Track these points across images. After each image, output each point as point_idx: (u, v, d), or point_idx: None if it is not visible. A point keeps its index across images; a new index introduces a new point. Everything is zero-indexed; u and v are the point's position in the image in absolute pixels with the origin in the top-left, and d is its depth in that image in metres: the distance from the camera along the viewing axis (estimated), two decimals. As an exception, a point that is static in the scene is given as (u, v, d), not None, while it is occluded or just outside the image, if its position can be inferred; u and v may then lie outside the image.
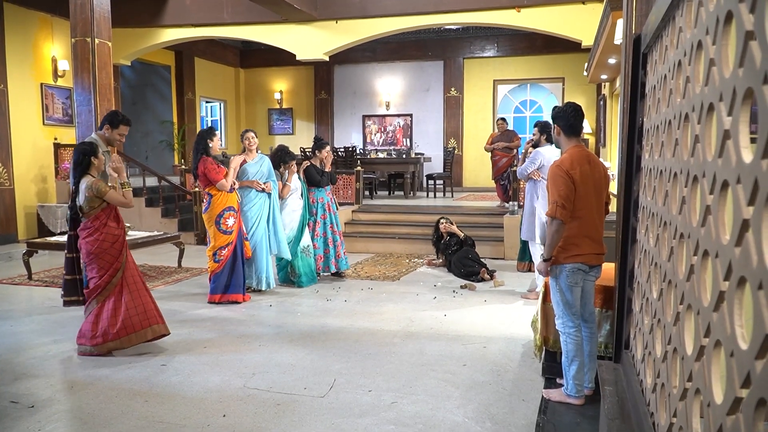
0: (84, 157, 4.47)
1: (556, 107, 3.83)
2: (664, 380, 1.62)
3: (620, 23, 4.46)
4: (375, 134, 15.29)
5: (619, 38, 4.52)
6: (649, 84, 2.19)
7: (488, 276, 7.15)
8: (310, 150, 7.27)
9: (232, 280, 6.02)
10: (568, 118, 3.67)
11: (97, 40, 5.85)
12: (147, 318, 4.63)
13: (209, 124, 15.78)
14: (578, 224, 3.50)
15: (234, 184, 6.09)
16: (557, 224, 3.44)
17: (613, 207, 4.66)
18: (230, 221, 5.94)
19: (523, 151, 7.05)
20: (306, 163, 7.06)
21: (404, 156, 13.12)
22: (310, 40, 10.98)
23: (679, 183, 1.50)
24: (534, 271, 7.46)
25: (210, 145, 5.89)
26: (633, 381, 2.12)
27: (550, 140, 6.21)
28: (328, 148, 7.15)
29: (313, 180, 6.99)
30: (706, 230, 1.23)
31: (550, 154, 6.15)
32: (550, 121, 6.39)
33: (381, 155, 13.32)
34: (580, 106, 3.76)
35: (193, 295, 6.48)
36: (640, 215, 2.28)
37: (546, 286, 4.01)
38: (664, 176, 1.74)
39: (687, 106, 1.42)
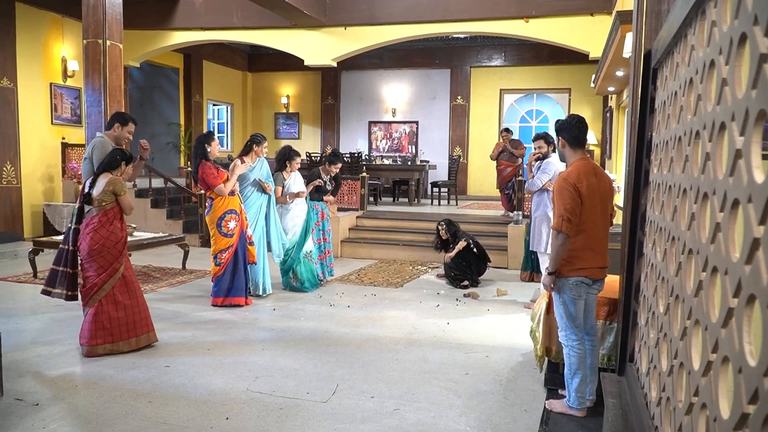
0: (117, 158, 4.59)
1: (559, 120, 3.84)
2: (670, 394, 1.64)
3: (629, 37, 4.49)
4: (380, 141, 15.33)
5: (628, 52, 4.54)
6: (659, 99, 2.21)
7: (471, 293, 6.91)
8: (324, 158, 7.45)
9: (234, 283, 6.03)
10: (573, 129, 3.67)
11: (108, 42, 5.89)
12: (146, 324, 4.69)
13: (216, 127, 15.85)
14: (583, 237, 3.50)
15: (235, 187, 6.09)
16: (563, 238, 3.44)
17: (617, 219, 4.67)
18: (231, 224, 5.94)
19: (527, 163, 7.03)
20: (318, 182, 7.14)
21: (409, 163, 13.15)
22: (319, 46, 11.03)
23: (689, 199, 1.52)
24: (539, 282, 7.47)
25: (208, 149, 5.94)
26: (637, 394, 2.13)
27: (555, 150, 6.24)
28: (339, 165, 7.40)
29: (322, 190, 7.13)
30: (715, 247, 1.25)
31: (561, 164, 6.18)
32: (552, 132, 6.41)
33: (386, 162, 13.35)
34: (583, 118, 3.77)
35: (196, 298, 6.50)
36: (648, 229, 2.29)
37: (550, 298, 4.02)
38: (673, 192, 1.75)
39: (698, 123, 1.44)
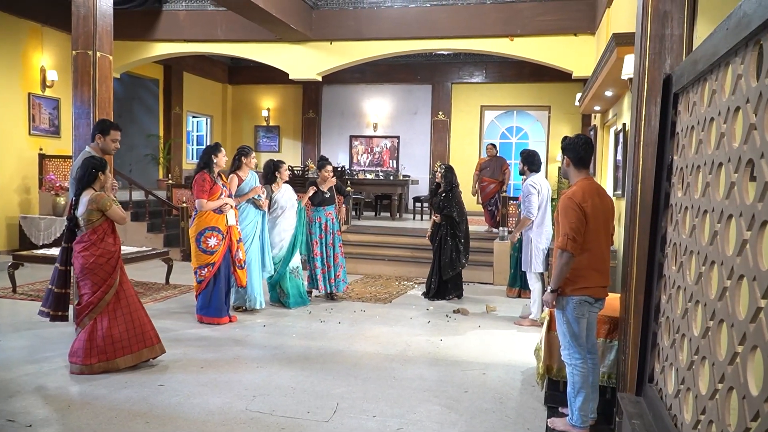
0: (92, 171, 4.42)
1: (566, 138, 3.84)
2: (713, 418, 1.65)
3: (628, 59, 4.56)
4: (362, 155, 15.33)
5: (627, 74, 4.62)
6: (682, 124, 2.24)
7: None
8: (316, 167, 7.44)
9: (212, 302, 5.91)
10: (578, 150, 3.70)
11: (99, 54, 5.80)
12: (144, 339, 4.55)
13: (195, 139, 15.68)
14: (587, 256, 3.53)
15: (229, 205, 5.96)
16: (567, 257, 3.46)
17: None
18: (211, 241, 5.80)
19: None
20: (312, 189, 7.07)
21: (392, 178, 13.17)
22: (304, 60, 11.01)
23: (738, 225, 1.54)
24: (526, 298, 7.51)
25: (214, 160, 5.87)
26: (663, 415, 2.14)
27: (532, 169, 6.32)
28: (329, 167, 7.23)
29: (313, 199, 7.06)
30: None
31: (542, 181, 6.30)
32: (533, 151, 6.51)
33: (369, 176, 13.34)
34: (590, 139, 3.81)
35: (183, 313, 6.38)
36: (669, 251, 2.32)
37: (551, 316, 4.04)
38: (711, 216, 1.78)
39: (751, 152, 1.46)
